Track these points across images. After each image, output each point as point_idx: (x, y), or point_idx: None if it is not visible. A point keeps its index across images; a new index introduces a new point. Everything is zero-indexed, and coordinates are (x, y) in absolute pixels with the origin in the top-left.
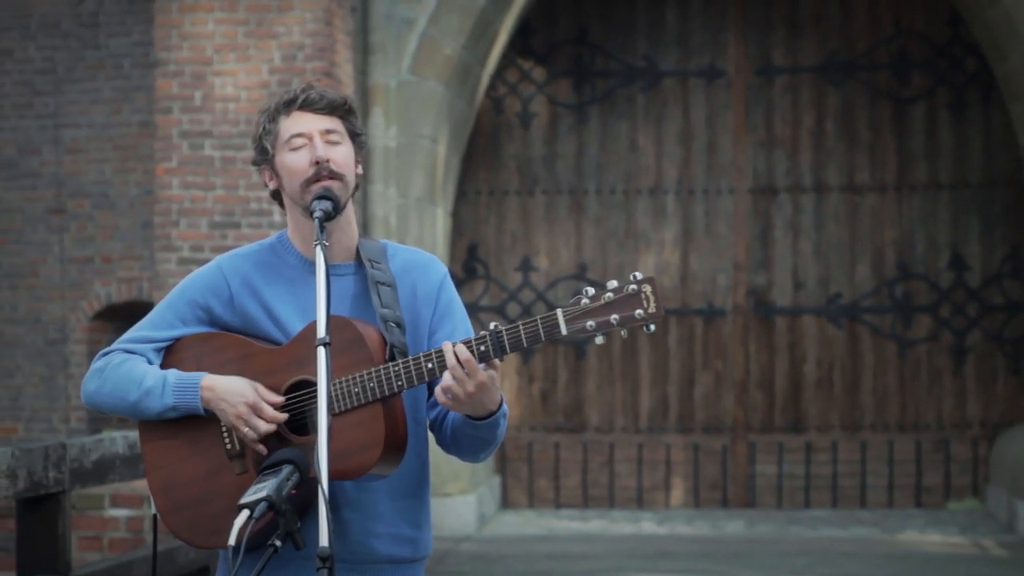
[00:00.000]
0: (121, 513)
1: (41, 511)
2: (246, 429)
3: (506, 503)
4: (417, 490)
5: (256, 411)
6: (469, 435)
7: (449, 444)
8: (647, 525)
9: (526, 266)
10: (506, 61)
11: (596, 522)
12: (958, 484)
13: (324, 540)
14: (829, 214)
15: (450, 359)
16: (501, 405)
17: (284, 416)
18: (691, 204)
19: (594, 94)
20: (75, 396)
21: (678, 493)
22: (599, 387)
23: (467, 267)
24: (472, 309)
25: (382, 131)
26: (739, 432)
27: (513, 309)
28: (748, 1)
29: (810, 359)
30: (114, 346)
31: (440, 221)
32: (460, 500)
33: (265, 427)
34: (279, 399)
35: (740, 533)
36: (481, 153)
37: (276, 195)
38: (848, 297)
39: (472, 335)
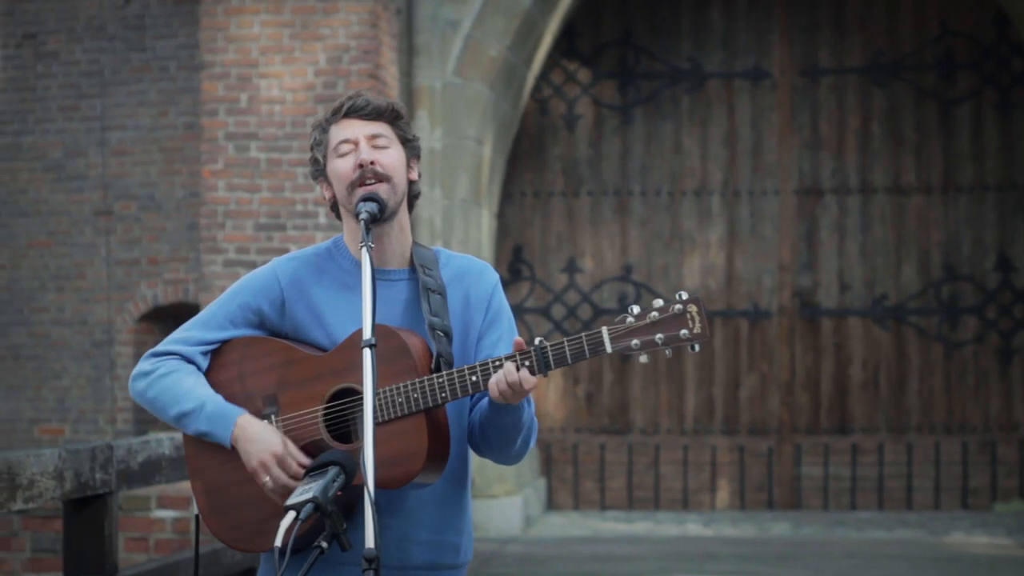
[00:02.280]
0: (167, 514)
1: (88, 512)
2: (266, 478)
3: (551, 505)
4: (459, 496)
5: (281, 464)
6: (495, 424)
7: (479, 443)
8: (692, 527)
9: (571, 268)
10: (551, 63)
11: (641, 524)
12: (1005, 486)
13: (370, 542)
14: (875, 215)
15: (500, 384)
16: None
17: (301, 472)
18: (736, 205)
19: (639, 96)
20: (121, 398)
21: (724, 495)
22: (644, 389)
23: (512, 269)
24: (517, 311)
25: (427, 133)
26: (785, 434)
27: (558, 311)
28: (794, 2)
29: (856, 361)
30: (164, 345)
31: (485, 223)
32: (506, 502)
33: (284, 480)
34: (306, 460)
35: (786, 535)
36: (526, 155)
37: (335, 207)
38: (894, 299)
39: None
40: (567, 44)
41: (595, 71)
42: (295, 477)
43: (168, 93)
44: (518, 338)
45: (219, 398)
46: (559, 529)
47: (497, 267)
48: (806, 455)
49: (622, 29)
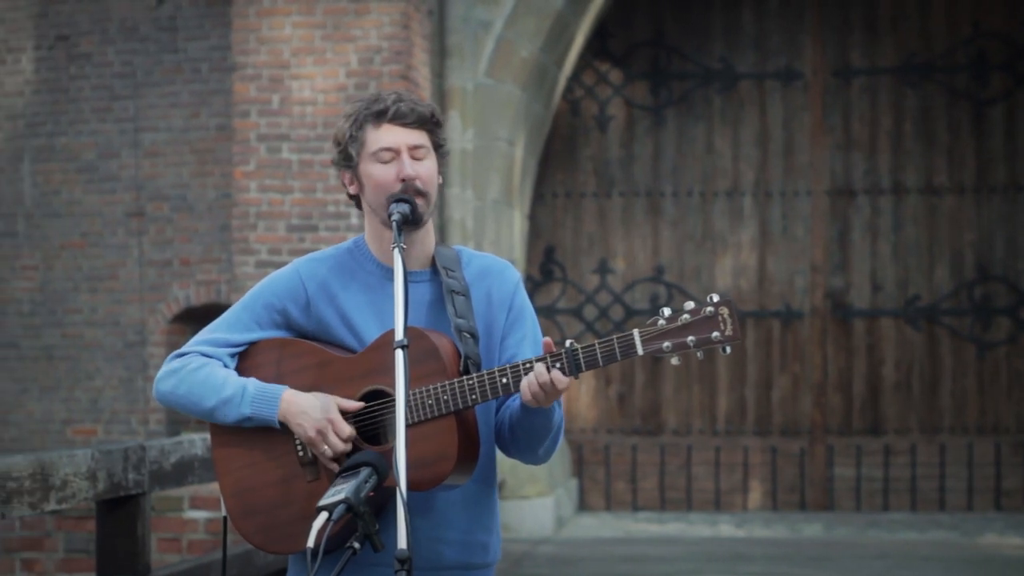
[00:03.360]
0: (200, 515)
1: (121, 513)
2: (324, 447)
3: (583, 506)
4: (487, 495)
5: (334, 427)
6: (525, 426)
7: (508, 444)
8: (725, 528)
9: (603, 268)
10: (583, 64)
11: (673, 525)
12: None
13: (402, 542)
14: (907, 216)
15: (532, 386)
16: None
17: (354, 434)
18: (768, 206)
19: (671, 96)
20: (154, 398)
21: (756, 496)
22: (676, 390)
23: (544, 269)
24: (549, 312)
25: (459, 134)
26: (817, 435)
27: (590, 311)
28: (825, 2)
29: (888, 361)
30: (189, 347)
31: (517, 224)
32: (538, 503)
33: (341, 447)
34: (358, 405)
35: (818, 536)
36: (558, 156)
37: (355, 199)
38: (927, 299)
39: (540, 341)
40: (599, 45)
41: (627, 72)
42: (349, 440)
43: (200, 94)
44: (547, 339)
45: (258, 381)
46: (591, 530)
47: (529, 268)
48: (838, 456)
49: (654, 30)
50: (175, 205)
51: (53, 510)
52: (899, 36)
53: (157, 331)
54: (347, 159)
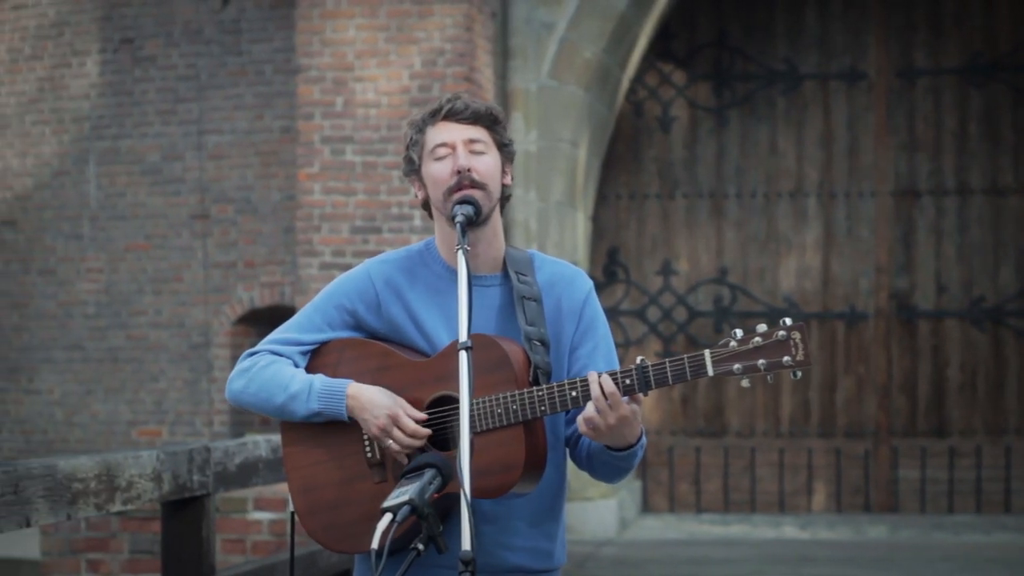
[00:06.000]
0: (264, 516)
1: (186, 514)
2: (389, 441)
3: (647, 508)
4: (554, 504)
5: (397, 424)
6: (605, 463)
7: (584, 464)
8: (789, 530)
9: (667, 270)
10: (646, 65)
11: (737, 527)
12: None
13: (466, 544)
14: (972, 217)
15: (595, 390)
16: (640, 437)
17: (427, 432)
18: (832, 207)
19: (734, 97)
20: (218, 400)
21: (820, 498)
22: (740, 391)
23: (607, 271)
24: (612, 313)
25: (522, 136)
26: (882, 436)
27: (653, 313)
28: (890, 3)
29: (953, 363)
30: (260, 346)
31: (580, 225)
32: (601, 504)
33: (407, 440)
34: (422, 415)
35: (883, 538)
36: (621, 157)
37: (426, 205)
38: (992, 300)
39: (613, 352)
40: (662, 46)
41: (690, 73)
42: (414, 435)
43: (264, 97)
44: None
45: (324, 377)
46: (654, 532)
47: (592, 269)
48: (903, 458)
49: (717, 31)
50: (239, 207)
51: (118, 511)
52: (963, 36)
53: (221, 333)
54: (411, 164)
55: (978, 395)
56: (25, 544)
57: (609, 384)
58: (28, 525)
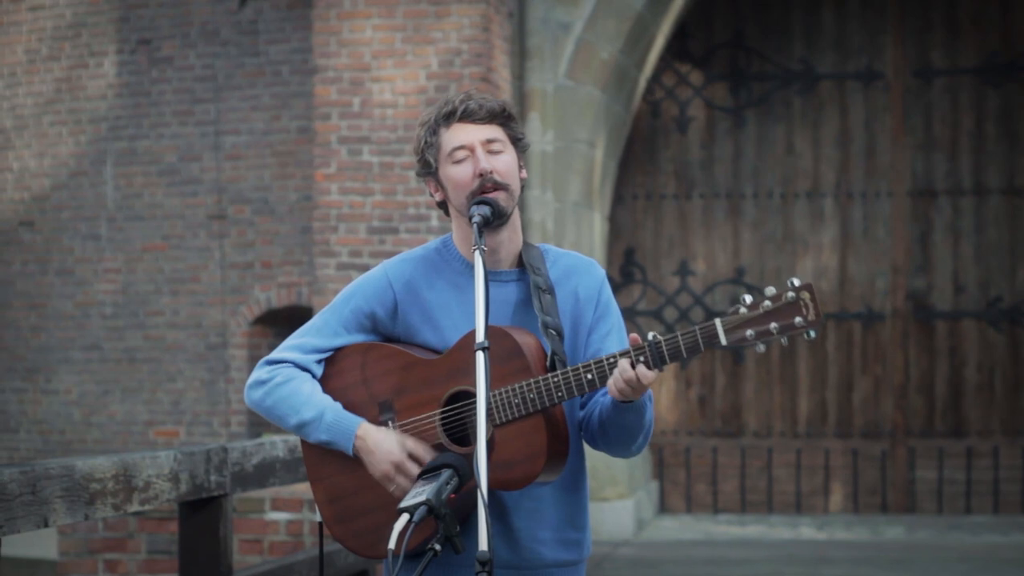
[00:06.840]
0: (281, 516)
1: (203, 514)
2: (392, 487)
3: (664, 508)
4: (578, 491)
5: (401, 471)
6: (617, 423)
7: (597, 438)
8: (806, 530)
9: (683, 270)
10: (663, 65)
11: (754, 527)
12: None
13: (483, 544)
14: (989, 217)
15: (618, 382)
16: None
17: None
18: (849, 207)
19: (751, 97)
20: (235, 400)
21: (837, 498)
22: (757, 392)
23: (624, 271)
24: (629, 313)
25: (539, 136)
26: (899, 437)
27: (670, 313)
28: (906, 2)
29: (970, 363)
30: (278, 352)
31: (597, 225)
32: (618, 505)
33: (410, 486)
34: (429, 454)
35: (899, 539)
36: (638, 157)
37: (442, 205)
38: (1009, 301)
39: (625, 335)
40: (679, 46)
41: (707, 73)
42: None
43: (281, 97)
44: (634, 335)
45: (338, 406)
46: (671, 532)
47: (609, 270)
48: (920, 458)
49: (734, 31)
50: (256, 208)
51: (136, 511)
52: (980, 35)
53: (239, 333)
54: (427, 167)
55: (995, 395)
56: (43, 544)
57: (629, 372)
58: (46, 525)
